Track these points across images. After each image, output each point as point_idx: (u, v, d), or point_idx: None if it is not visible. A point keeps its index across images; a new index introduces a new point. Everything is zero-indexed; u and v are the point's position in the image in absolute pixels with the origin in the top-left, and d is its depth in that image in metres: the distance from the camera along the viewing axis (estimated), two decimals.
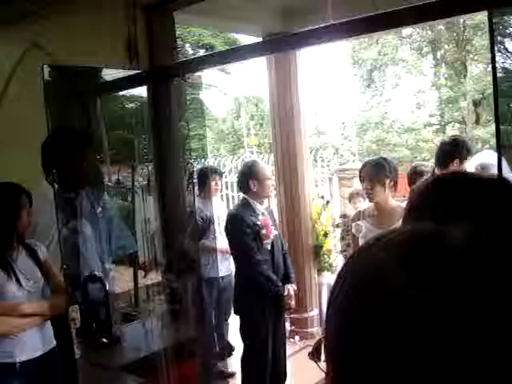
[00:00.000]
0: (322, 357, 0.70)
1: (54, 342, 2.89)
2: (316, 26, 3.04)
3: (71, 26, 3.34)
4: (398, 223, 3.24)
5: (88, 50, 3.32)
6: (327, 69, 25.06)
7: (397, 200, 3.83)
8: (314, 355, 0.70)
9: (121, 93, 4.23)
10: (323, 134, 21.81)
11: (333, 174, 8.21)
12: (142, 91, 3.86)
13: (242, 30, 5.54)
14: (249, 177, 4.14)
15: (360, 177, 3.85)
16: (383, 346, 0.49)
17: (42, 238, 2.95)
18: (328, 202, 6.08)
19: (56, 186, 2.99)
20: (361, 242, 3.77)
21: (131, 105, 4.48)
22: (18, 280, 2.72)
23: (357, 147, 17.92)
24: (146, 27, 3.47)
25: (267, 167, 4.51)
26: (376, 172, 3.68)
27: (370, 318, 0.51)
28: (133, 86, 3.79)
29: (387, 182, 3.67)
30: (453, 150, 3.95)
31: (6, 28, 3.49)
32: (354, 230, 3.87)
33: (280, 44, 3.49)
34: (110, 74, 3.68)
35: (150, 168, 4.43)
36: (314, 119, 20.49)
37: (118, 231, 3.32)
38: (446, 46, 20.66)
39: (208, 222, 5.08)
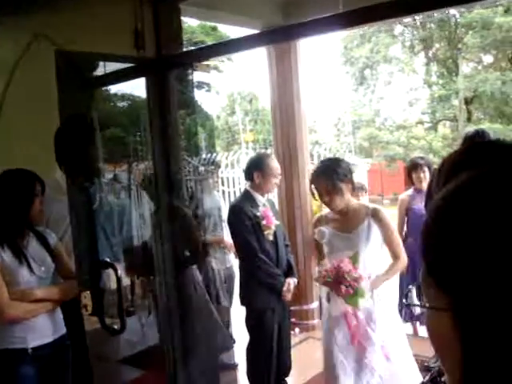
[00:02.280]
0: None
1: (65, 329, 2.91)
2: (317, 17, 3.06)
3: (78, 15, 3.34)
4: (364, 223, 3.33)
5: (94, 40, 3.32)
6: (320, 67, 25.09)
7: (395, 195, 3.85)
8: (405, 314, 0.72)
9: (113, 91, 4.23)
10: (316, 132, 21.86)
11: None
12: (136, 90, 3.86)
13: (242, 24, 5.55)
14: (254, 168, 4.11)
15: (311, 186, 3.61)
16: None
17: (56, 226, 2.96)
18: None
19: (69, 175, 2.99)
20: (325, 248, 3.63)
21: (123, 103, 4.49)
22: (29, 266, 2.74)
23: (351, 145, 17.97)
24: (153, 17, 3.47)
25: (276, 164, 4.27)
26: (331, 182, 3.40)
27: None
28: (137, 76, 3.79)
29: (344, 186, 3.43)
30: (476, 139, 4.05)
31: (12, 18, 3.49)
32: (317, 237, 3.70)
33: (283, 34, 3.49)
34: (114, 64, 3.68)
35: (145, 164, 4.44)
36: (308, 116, 20.53)
37: (127, 222, 3.33)
38: (438, 45, 20.77)
39: (208, 216, 5.10)
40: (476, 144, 0.90)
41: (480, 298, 0.54)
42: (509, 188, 0.57)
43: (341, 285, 3.25)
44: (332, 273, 3.30)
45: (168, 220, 4.06)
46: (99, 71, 3.58)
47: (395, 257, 3.50)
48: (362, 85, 21.38)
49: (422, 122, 21.19)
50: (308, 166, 5.97)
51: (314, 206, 5.85)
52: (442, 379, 0.71)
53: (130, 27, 3.44)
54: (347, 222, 3.47)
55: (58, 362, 2.86)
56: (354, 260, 3.34)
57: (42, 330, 2.78)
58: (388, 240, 3.46)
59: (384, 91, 21.53)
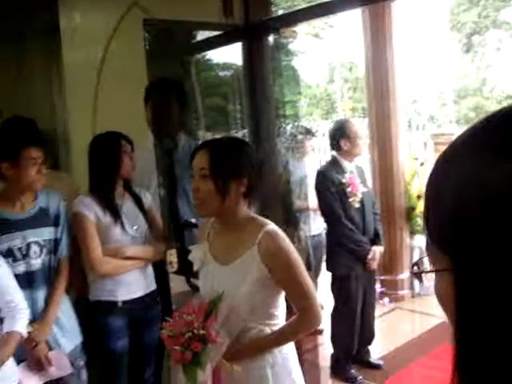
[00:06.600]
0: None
1: (155, 286, 3.07)
2: None
3: None
4: (248, 253, 2.01)
5: (185, 7, 3.40)
6: (424, 33, 24.20)
7: None
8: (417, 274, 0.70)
9: (215, 60, 4.30)
10: (418, 102, 21.20)
11: (428, 138, 8.02)
12: (236, 59, 3.90)
13: None
14: (340, 135, 4.12)
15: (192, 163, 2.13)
16: None
17: (143, 186, 3.10)
18: (422, 164, 5.96)
19: (153, 134, 3.12)
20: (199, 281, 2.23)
21: (225, 72, 4.55)
22: (122, 225, 2.90)
23: (454, 114, 17.32)
24: None
25: (359, 126, 4.37)
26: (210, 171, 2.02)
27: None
28: (226, 44, 3.84)
29: (233, 187, 2.03)
30: None
31: None
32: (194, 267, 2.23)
33: None
34: (204, 31, 3.75)
35: (243, 133, 4.51)
36: (409, 85, 19.94)
37: None
38: None
39: (300, 182, 5.13)
40: None
41: (476, 256, 0.54)
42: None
43: (176, 345, 1.93)
44: (174, 322, 1.99)
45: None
46: (188, 39, 3.66)
47: (301, 309, 2.06)
48: (468, 52, 20.47)
49: None
50: (403, 135, 5.85)
51: (408, 175, 5.74)
52: None
53: None
54: (230, 248, 2.10)
55: (147, 317, 3.02)
56: (212, 306, 1.98)
57: (132, 285, 2.94)
58: (284, 283, 2.03)
59: (493, 58, 20.49)
